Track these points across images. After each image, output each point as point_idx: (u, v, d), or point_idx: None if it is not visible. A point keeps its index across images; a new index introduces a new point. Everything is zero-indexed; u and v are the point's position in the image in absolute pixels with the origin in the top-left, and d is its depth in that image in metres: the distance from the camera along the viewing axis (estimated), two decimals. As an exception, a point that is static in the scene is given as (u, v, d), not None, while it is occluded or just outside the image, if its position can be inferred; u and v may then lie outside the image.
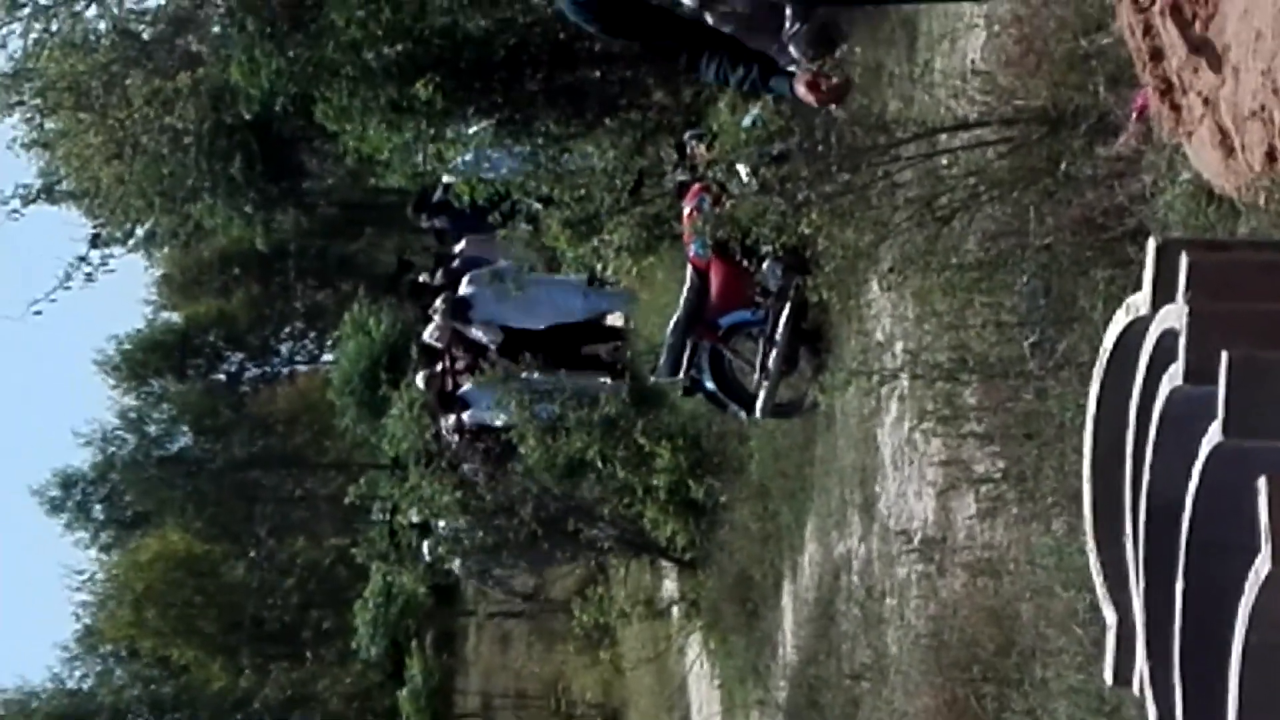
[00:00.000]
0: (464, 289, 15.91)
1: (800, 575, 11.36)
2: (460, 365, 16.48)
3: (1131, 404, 4.45)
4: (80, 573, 36.39)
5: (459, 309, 15.91)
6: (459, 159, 14.10)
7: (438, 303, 16.24)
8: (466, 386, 16.05)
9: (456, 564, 16.33)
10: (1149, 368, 4.37)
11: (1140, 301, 4.43)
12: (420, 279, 17.73)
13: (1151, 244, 4.38)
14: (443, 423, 16.44)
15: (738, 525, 12.61)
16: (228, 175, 17.64)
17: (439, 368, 16.76)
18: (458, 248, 17.44)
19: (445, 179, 16.72)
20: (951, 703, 7.97)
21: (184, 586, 34.07)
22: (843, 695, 9.88)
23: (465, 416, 16.10)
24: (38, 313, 18.97)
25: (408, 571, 15.87)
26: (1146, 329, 4.40)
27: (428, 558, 15.76)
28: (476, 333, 15.83)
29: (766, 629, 12.04)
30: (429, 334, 16.56)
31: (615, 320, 17.05)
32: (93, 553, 38.13)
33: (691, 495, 12.94)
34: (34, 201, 18.55)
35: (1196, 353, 4.08)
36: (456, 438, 16.06)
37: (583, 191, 11.41)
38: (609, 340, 16.56)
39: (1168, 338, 4.26)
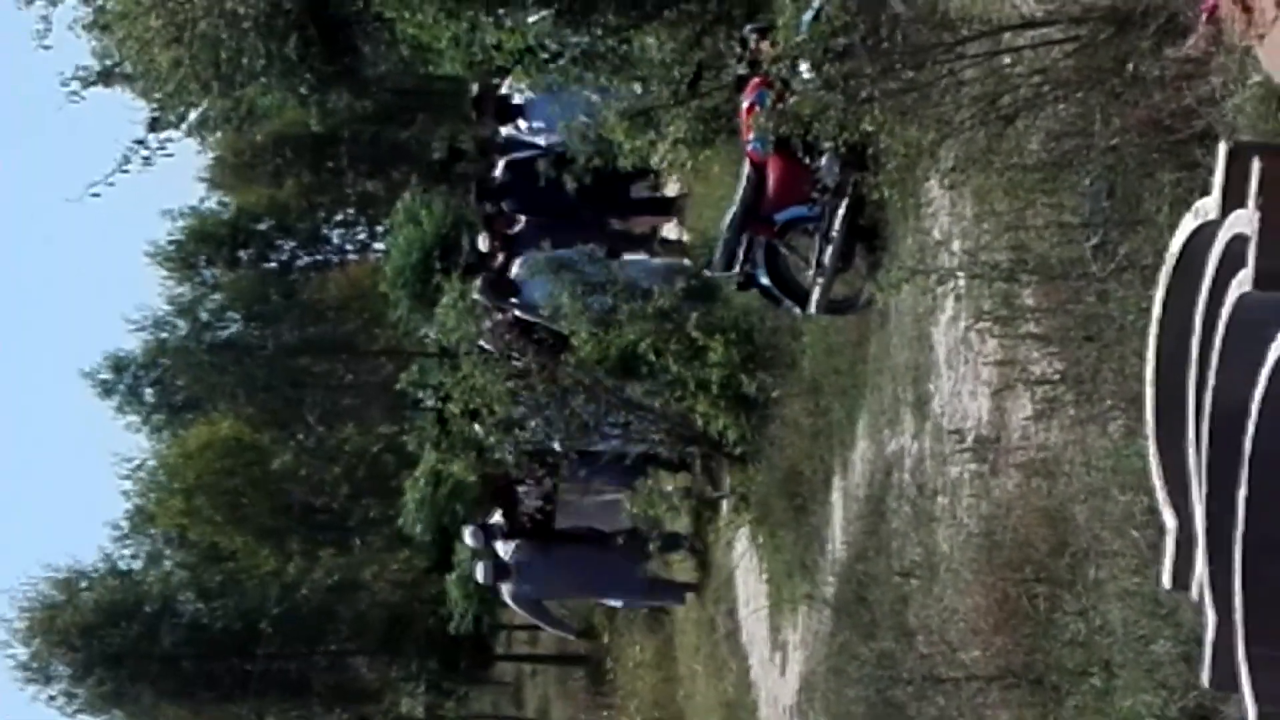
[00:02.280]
0: (515, 270, 15.63)
1: (851, 472, 11.37)
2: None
3: (1197, 309, 4.44)
4: (129, 460, 36.61)
5: (504, 289, 15.62)
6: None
7: (476, 283, 15.85)
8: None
9: (505, 591, 16.27)
10: (1217, 272, 4.36)
11: (1209, 205, 4.41)
12: (480, 246, 17.22)
13: (1222, 148, 4.35)
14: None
15: (789, 421, 12.62)
16: (283, 55, 17.61)
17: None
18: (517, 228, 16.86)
19: (500, 163, 16.43)
20: (1003, 601, 7.99)
21: (233, 475, 34.24)
22: (892, 592, 9.90)
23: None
24: (95, 195, 19.01)
25: (459, 460, 15.92)
26: (1215, 233, 4.38)
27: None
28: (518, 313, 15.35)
29: (816, 524, 12.07)
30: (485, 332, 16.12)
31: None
32: (143, 436, 38.41)
33: (743, 390, 12.95)
34: (93, 84, 18.56)
35: (1267, 258, 4.07)
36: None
37: (640, 84, 11.37)
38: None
39: (1237, 243, 4.24)
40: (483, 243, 16.57)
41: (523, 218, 16.47)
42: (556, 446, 15.13)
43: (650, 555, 15.63)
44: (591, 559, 16.14)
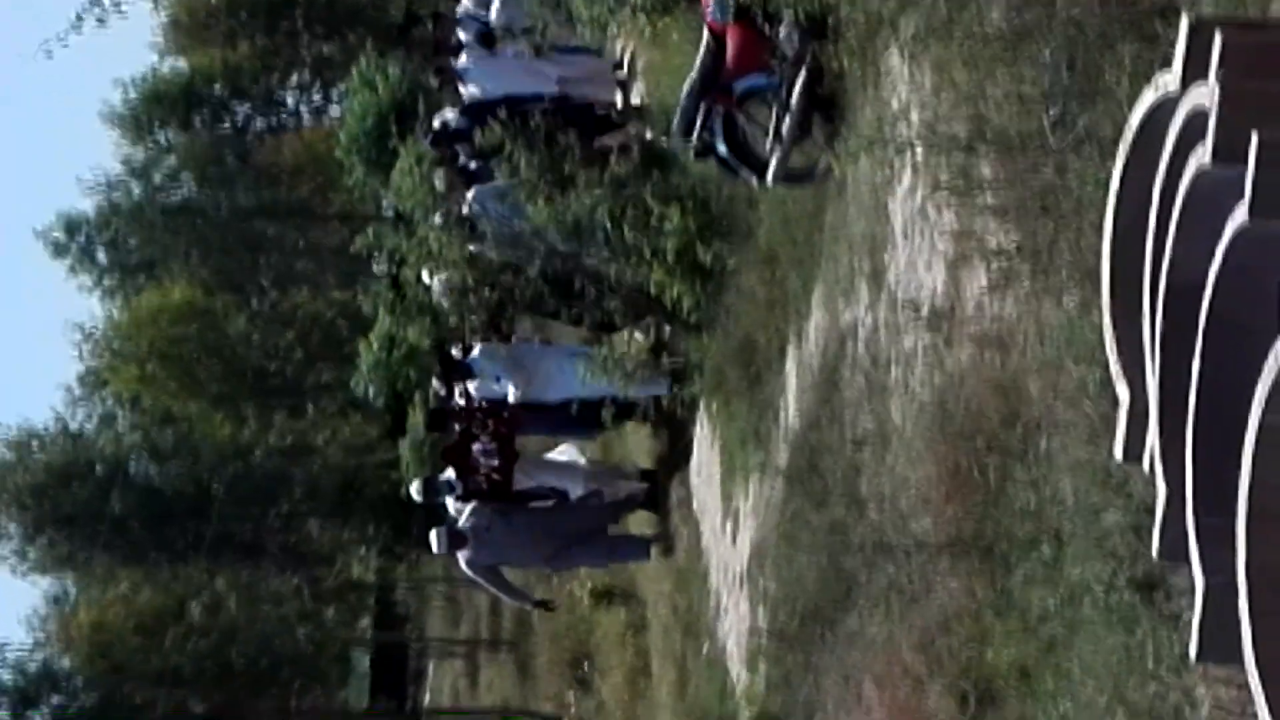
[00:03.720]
0: (466, 209, 15.47)
1: (805, 342, 11.40)
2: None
3: (1156, 182, 4.45)
4: (83, 327, 36.52)
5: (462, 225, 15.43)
6: None
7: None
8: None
9: (462, 559, 15.38)
10: (1176, 146, 4.36)
11: (1169, 79, 4.41)
12: (438, 186, 16.92)
13: (1184, 21, 4.34)
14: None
15: (744, 290, 12.63)
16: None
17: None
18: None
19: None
20: (954, 471, 8.05)
21: (187, 340, 34.17)
22: (844, 461, 9.96)
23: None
24: (49, 53, 18.88)
25: (413, 324, 15.86)
26: (1174, 107, 4.38)
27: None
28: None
29: (769, 394, 12.11)
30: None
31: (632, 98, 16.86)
32: (96, 298, 38.33)
33: (699, 259, 12.94)
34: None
35: (1226, 132, 4.07)
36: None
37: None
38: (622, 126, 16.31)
39: (1196, 117, 4.25)
40: (439, 182, 16.31)
41: (474, 164, 16.29)
42: (511, 397, 15.04)
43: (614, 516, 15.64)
44: (553, 525, 15.45)
